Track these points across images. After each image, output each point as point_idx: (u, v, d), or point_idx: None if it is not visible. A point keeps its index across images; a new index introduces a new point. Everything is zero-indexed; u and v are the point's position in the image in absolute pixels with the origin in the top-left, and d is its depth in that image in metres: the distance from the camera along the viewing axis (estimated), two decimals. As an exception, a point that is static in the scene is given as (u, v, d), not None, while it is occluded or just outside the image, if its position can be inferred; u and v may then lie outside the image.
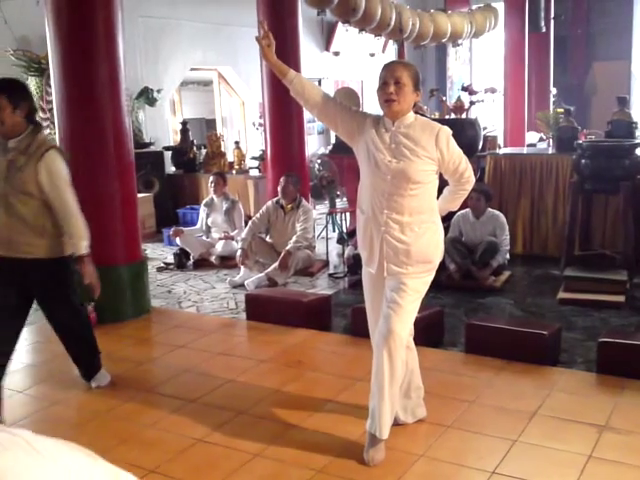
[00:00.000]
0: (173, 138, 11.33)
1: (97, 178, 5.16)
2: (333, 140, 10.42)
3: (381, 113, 3.18)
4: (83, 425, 3.69)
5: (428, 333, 4.49)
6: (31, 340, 4.92)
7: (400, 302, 3.07)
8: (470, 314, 5.29)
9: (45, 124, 8.67)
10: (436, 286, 5.87)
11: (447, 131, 3.07)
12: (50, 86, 8.15)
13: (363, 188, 3.22)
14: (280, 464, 3.17)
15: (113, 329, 5.13)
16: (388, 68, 3.07)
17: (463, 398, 3.77)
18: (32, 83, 8.63)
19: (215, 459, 3.24)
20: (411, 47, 11.70)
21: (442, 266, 6.19)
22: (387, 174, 3.05)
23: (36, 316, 4.48)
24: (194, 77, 12.66)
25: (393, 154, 3.05)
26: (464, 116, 7.47)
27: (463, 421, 3.52)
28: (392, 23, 9.55)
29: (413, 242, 3.06)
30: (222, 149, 10.21)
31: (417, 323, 4.38)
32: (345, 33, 12.04)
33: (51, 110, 8.26)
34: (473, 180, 3.27)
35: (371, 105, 14.26)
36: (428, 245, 3.11)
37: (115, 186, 5.21)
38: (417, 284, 3.13)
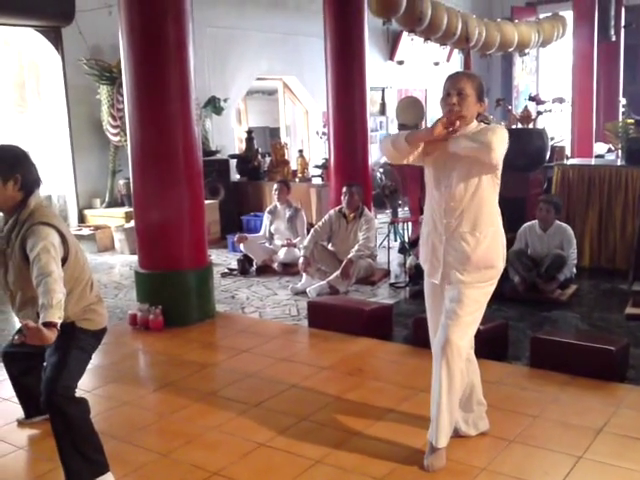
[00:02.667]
0: (238, 146, 11.51)
1: (167, 185, 5.29)
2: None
3: None
4: (149, 426, 3.78)
5: (492, 346, 4.44)
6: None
7: (459, 312, 3.09)
8: (535, 328, 5.20)
9: (115, 131, 8.95)
10: (500, 298, 5.86)
11: (497, 126, 3.08)
12: (121, 94, 8.40)
13: (426, 202, 3.28)
14: (341, 471, 3.19)
15: (179, 332, 5.26)
16: (452, 79, 3.09)
17: (527, 412, 3.72)
18: (103, 91, 8.92)
19: (277, 464, 3.28)
20: (477, 56, 11.60)
21: (506, 278, 6.14)
22: (442, 182, 3.11)
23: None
24: (259, 86, 12.84)
25: (450, 162, 3.08)
26: (531, 126, 7.37)
27: (527, 435, 3.47)
28: (458, 32, 9.50)
29: (473, 248, 3.08)
30: (286, 157, 10.33)
31: (481, 336, 4.34)
32: (409, 42, 12.04)
33: (122, 118, 8.52)
34: (493, 153, 2.91)
35: (435, 114, 14.20)
36: (488, 250, 3.11)
37: (184, 193, 5.34)
38: (477, 295, 3.13)
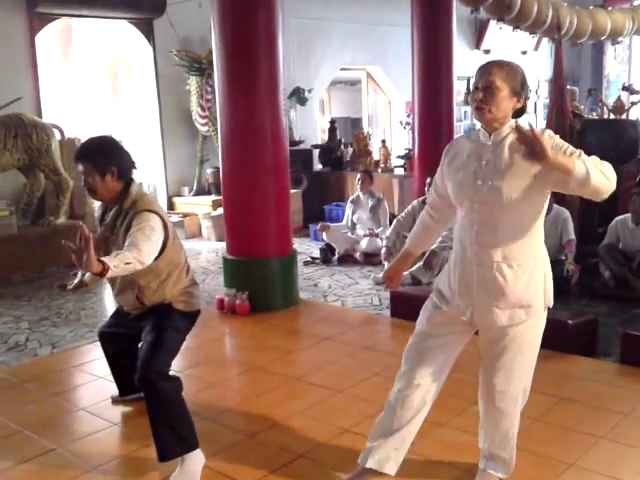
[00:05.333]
0: (321, 136, 11.58)
1: (255, 174, 5.40)
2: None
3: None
4: (235, 408, 3.87)
5: (581, 342, 4.36)
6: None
7: (507, 359, 2.71)
8: (625, 324, 5.05)
9: (204, 121, 9.16)
10: (590, 294, 5.74)
11: (550, 134, 2.48)
12: (210, 85, 8.62)
13: (457, 223, 2.76)
14: (426, 461, 3.19)
15: (264, 318, 5.38)
16: (479, 70, 2.56)
17: (617, 410, 3.63)
18: (193, 82, 9.14)
19: (361, 449, 3.30)
20: (567, 45, 11.28)
21: (596, 273, 5.98)
22: (474, 199, 2.58)
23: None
24: (342, 77, 12.87)
25: (483, 175, 2.56)
26: (624, 117, 7.13)
27: (616, 433, 3.39)
28: (548, 20, 9.26)
29: (511, 283, 2.57)
30: (369, 147, 10.33)
31: (570, 331, 4.30)
32: (497, 31, 11.82)
33: (210, 108, 8.73)
34: (607, 185, 2.42)
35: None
36: (527, 286, 2.59)
37: (271, 182, 5.43)
38: (523, 331, 2.66)
